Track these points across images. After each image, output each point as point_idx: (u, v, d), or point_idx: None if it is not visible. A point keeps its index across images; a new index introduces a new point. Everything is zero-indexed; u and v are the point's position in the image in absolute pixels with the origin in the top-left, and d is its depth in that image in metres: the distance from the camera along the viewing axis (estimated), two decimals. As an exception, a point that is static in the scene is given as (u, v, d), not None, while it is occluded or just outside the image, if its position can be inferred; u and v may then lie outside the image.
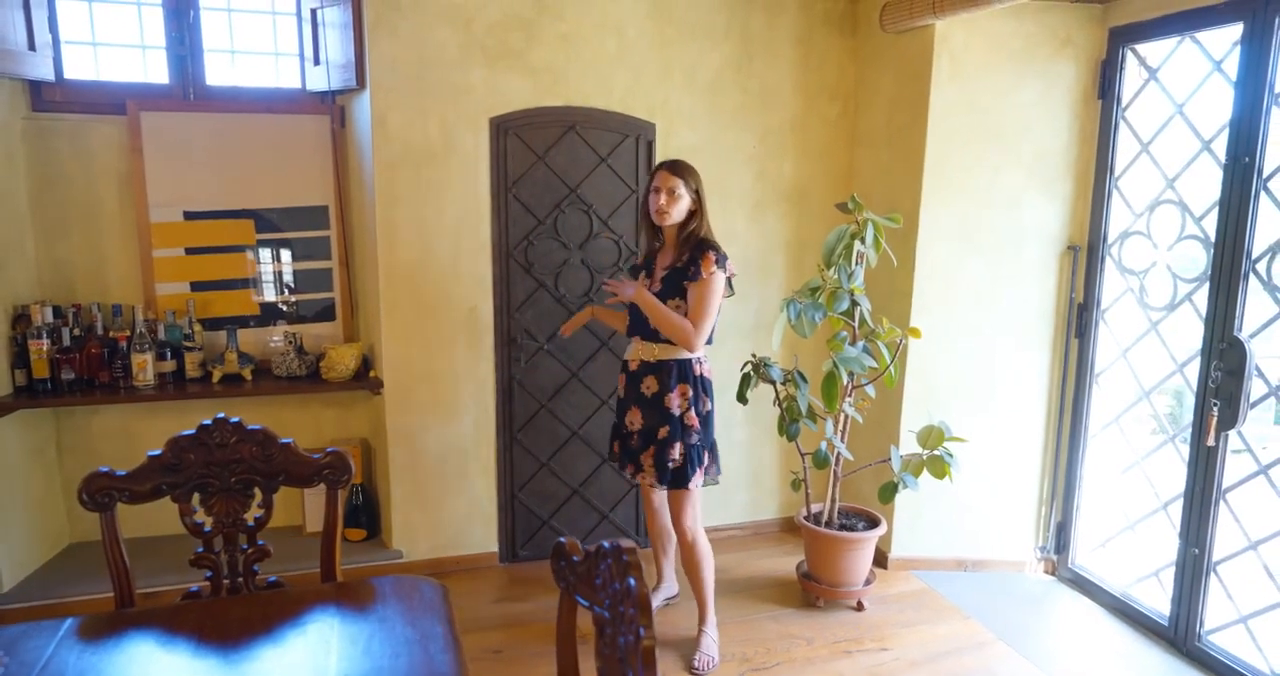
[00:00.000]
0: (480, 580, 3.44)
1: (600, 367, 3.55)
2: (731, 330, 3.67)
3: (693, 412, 2.77)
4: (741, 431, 3.80)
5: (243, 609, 1.74)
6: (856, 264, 3.07)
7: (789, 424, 3.12)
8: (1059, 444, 3.49)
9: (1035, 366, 3.46)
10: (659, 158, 3.48)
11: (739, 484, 3.86)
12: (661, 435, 2.77)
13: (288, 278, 3.55)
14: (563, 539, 1.48)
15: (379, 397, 3.42)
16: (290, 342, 3.39)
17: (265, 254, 3.50)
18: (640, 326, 2.82)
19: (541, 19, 3.27)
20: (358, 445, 3.57)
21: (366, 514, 3.55)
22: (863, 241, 3.04)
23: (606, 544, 1.32)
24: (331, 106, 3.48)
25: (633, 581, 1.23)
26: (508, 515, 3.57)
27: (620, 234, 3.50)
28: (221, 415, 1.93)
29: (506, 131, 3.31)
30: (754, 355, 3.15)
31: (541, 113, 3.34)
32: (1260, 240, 2.69)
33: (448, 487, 3.48)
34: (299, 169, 3.48)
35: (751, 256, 3.70)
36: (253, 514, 1.95)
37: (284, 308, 3.53)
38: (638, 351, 2.84)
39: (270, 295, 3.53)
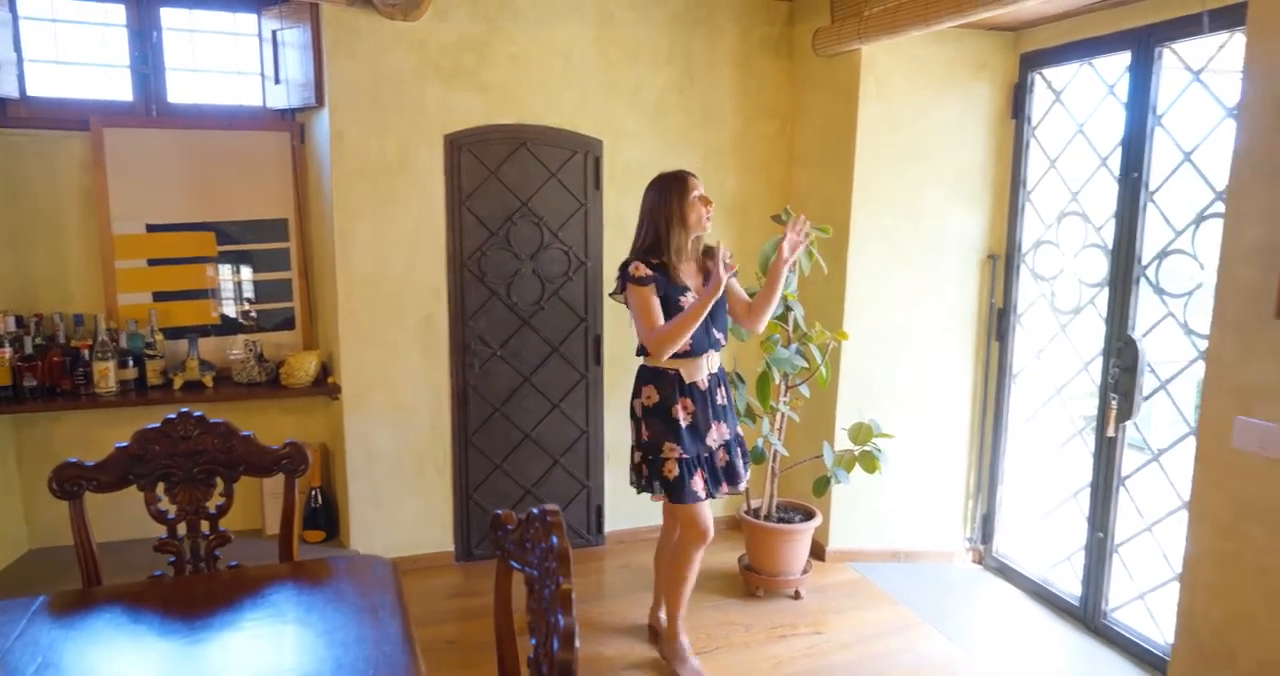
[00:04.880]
0: (436, 578, 3.57)
1: (551, 372, 3.72)
2: (677, 336, 3.86)
3: None
4: (688, 433, 3.98)
5: (205, 585, 1.88)
6: (790, 271, 3.28)
7: (728, 422, 3.31)
8: (983, 440, 3.73)
9: (959, 367, 3.70)
10: (607, 173, 3.68)
11: (686, 483, 4.03)
12: (739, 432, 2.94)
13: (248, 288, 3.67)
14: (499, 511, 1.64)
15: (337, 403, 3.55)
16: (251, 350, 3.51)
17: (227, 265, 3.62)
18: (709, 340, 2.76)
19: (493, 41, 3.46)
20: (317, 449, 3.69)
21: (325, 515, 3.67)
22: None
23: (535, 510, 1.49)
24: (291, 123, 3.63)
25: (555, 539, 1.39)
26: (463, 515, 3.71)
27: (570, 245, 3.68)
28: (185, 409, 2.06)
29: (460, 147, 3.49)
30: (694, 357, 3.33)
31: (494, 130, 3.52)
32: (1149, 248, 2.95)
33: (404, 489, 3.61)
34: (260, 183, 3.62)
35: (695, 266, 3.90)
36: (215, 502, 2.09)
37: (243, 320, 3.65)
38: (706, 366, 2.77)
39: (231, 305, 3.65)
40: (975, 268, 3.65)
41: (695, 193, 2.75)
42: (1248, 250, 2.04)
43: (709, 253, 2.85)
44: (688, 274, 2.79)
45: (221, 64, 3.61)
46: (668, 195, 2.75)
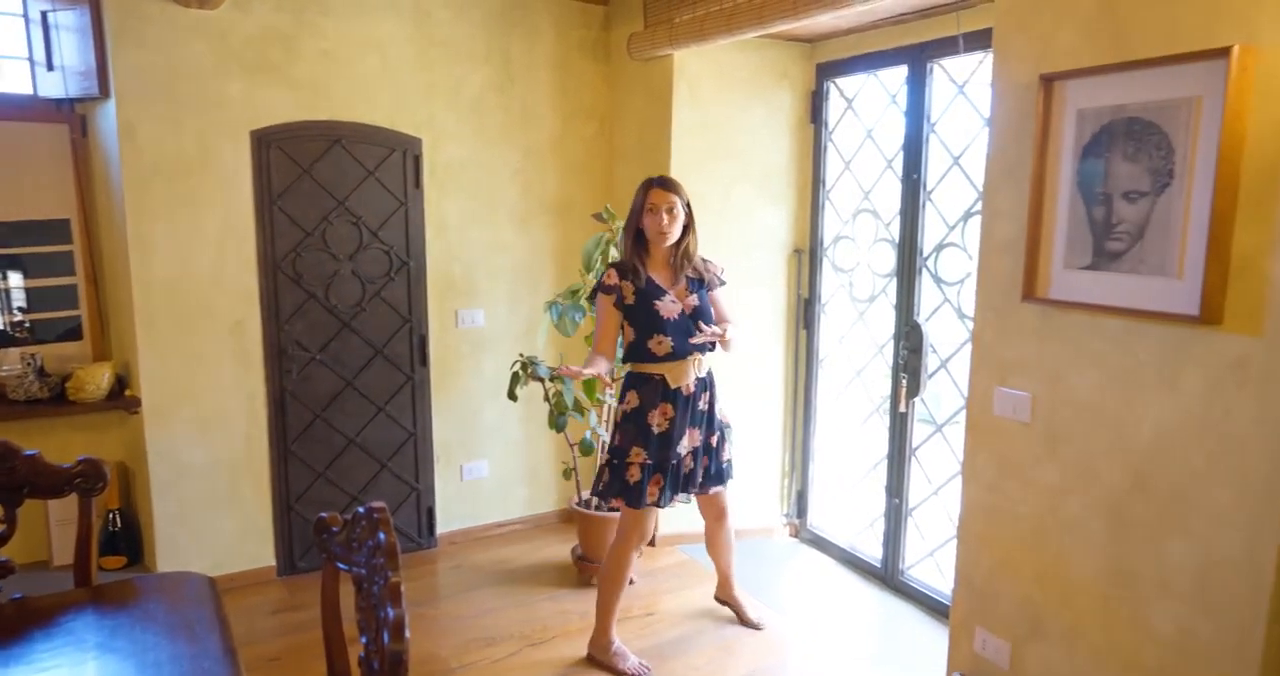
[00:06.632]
0: (257, 595, 3.40)
1: (375, 375, 3.63)
2: (504, 333, 3.88)
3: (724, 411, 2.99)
4: (517, 430, 4.01)
5: (-13, 620, 1.71)
6: (612, 268, 3.39)
7: (557, 417, 3.38)
8: (795, 422, 4.01)
9: (774, 356, 3.96)
10: (427, 171, 3.64)
11: (517, 480, 4.07)
12: (713, 442, 2.92)
13: (21, 296, 3.32)
14: (324, 514, 1.62)
15: (136, 417, 3.29)
16: (29, 364, 3.18)
17: (-5, 270, 3.27)
18: (690, 345, 2.75)
19: (301, 35, 3.33)
20: (115, 468, 3.41)
21: (126, 539, 3.40)
22: (616, 247, 3.37)
23: (361, 509, 1.48)
24: (71, 115, 3.32)
25: (382, 535, 1.40)
26: (284, 528, 3.55)
27: (391, 244, 3.61)
28: (-47, 429, 1.87)
29: (269, 144, 3.33)
30: (522, 354, 3.38)
31: (305, 126, 3.39)
32: (929, 241, 3.30)
33: (217, 505, 3.41)
34: (33, 180, 3.29)
35: (521, 264, 3.94)
36: (-7, 529, 1.90)
37: (14, 332, 3.30)
38: (692, 370, 2.76)
39: (0, 315, 3.29)
40: (783, 262, 3.92)
41: (649, 204, 2.74)
42: (1001, 243, 2.34)
43: (700, 257, 2.91)
44: (665, 279, 2.81)
45: (-19, 47, 3.25)
46: (636, 201, 2.79)
